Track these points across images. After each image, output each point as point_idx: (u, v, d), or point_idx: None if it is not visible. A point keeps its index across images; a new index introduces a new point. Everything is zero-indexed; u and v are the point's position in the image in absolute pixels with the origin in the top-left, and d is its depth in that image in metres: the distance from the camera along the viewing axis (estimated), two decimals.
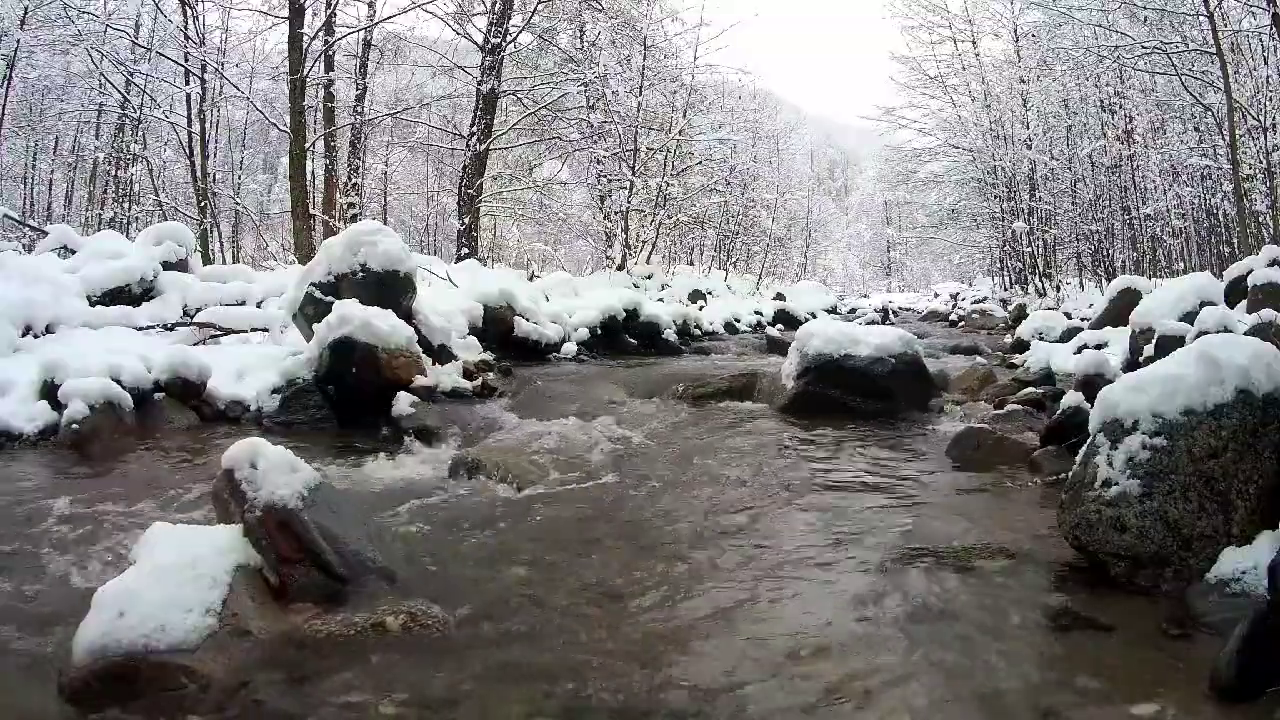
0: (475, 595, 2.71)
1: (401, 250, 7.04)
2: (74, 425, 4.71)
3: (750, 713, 2.04)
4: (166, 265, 8.61)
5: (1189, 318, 6.58)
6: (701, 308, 16.91)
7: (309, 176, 16.20)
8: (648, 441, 5.22)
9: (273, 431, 5.35)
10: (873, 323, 17.34)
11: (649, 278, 19.80)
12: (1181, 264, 16.76)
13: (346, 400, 5.64)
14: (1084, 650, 2.33)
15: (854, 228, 59.44)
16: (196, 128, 16.19)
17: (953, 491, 4.10)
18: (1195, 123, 15.78)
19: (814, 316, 17.11)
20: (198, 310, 8.13)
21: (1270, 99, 13.20)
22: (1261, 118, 12.97)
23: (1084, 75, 17.58)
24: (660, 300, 15.82)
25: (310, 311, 6.68)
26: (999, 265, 29.34)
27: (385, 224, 11.23)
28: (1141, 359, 6.24)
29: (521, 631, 2.46)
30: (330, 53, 16.33)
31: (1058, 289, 21.63)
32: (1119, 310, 9.64)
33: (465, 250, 17.23)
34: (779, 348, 10.55)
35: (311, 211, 15.21)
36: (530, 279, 15.03)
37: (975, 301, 27.80)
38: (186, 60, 16.07)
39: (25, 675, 2.18)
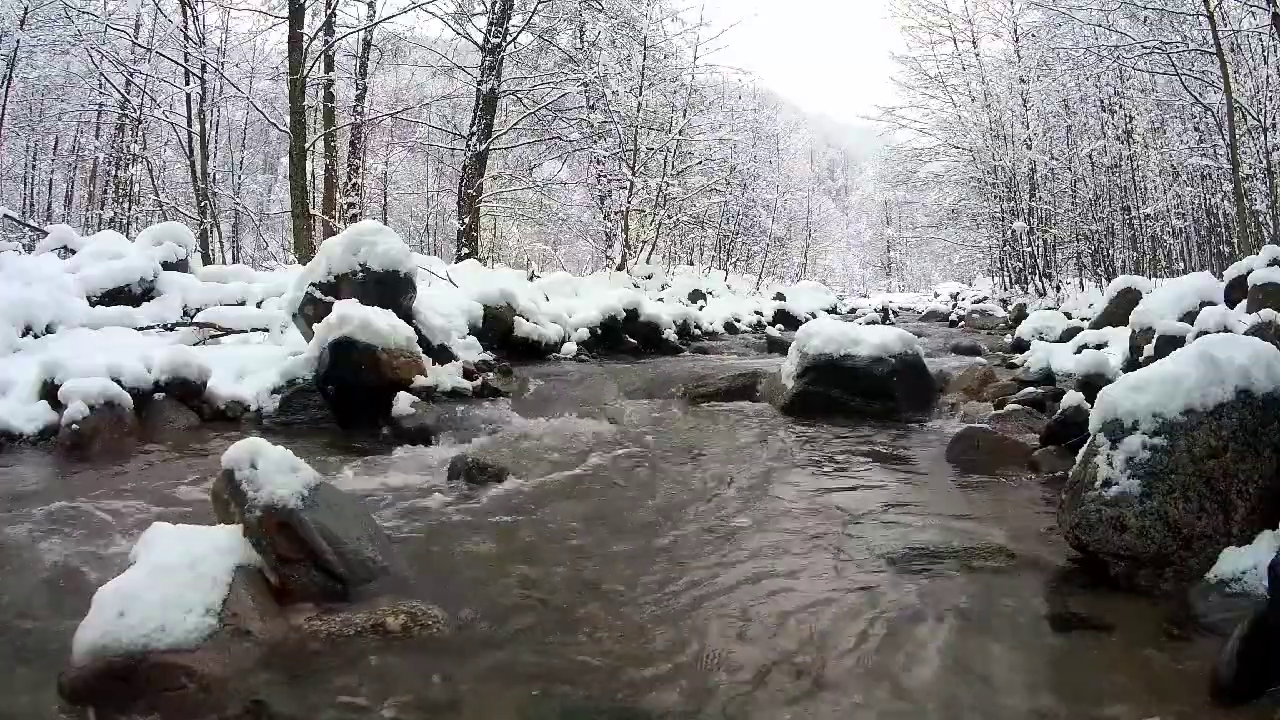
0: (475, 595, 2.71)
1: (401, 250, 7.04)
2: (74, 425, 4.71)
3: (750, 713, 2.04)
4: (166, 265, 8.61)
5: (1189, 318, 6.57)
6: (701, 308, 16.92)
7: (309, 176, 16.20)
8: (648, 442, 5.22)
9: (273, 431, 5.35)
10: (873, 323, 17.33)
11: (649, 278, 19.80)
12: (1181, 264, 16.73)
13: (346, 400, 5.64)
14: (1084, 650, 2.33)
15: (854, 228, 59.42)
16: (196, 128, 16.18)
17: (953, 491, 4.10)
18: (1195, 123, 15.76)
19: (814, 316, 17.09)
20: (198, 310, 8.13)
21: (1270, 99, 13.19)
22: (1261, 118, 12.95)
23: (1084, 75, 17.55)
24: (660, 300, 15.81)
25: (310, 311, 6.68)
26: (999, 265, 29.32)
27: (385, 224, 11.22)
28: (1141, 359, 6.23)
29: (521, 632, 2.46)
30: (330, 53, 16.34)
31: (1058, 289, 21.62)
32: (1119, 310, 9.63)
33: (465, 250, 17.24)
34: (779, 348, 10.56)
35: (311, 211, 15.21)
36: (530, 279, 15.02)
37: (975, 301, 27.79)
38: (186, 60, 16.07)
39: (25, 675, 2.18)
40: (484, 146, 17.53)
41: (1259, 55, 13.83)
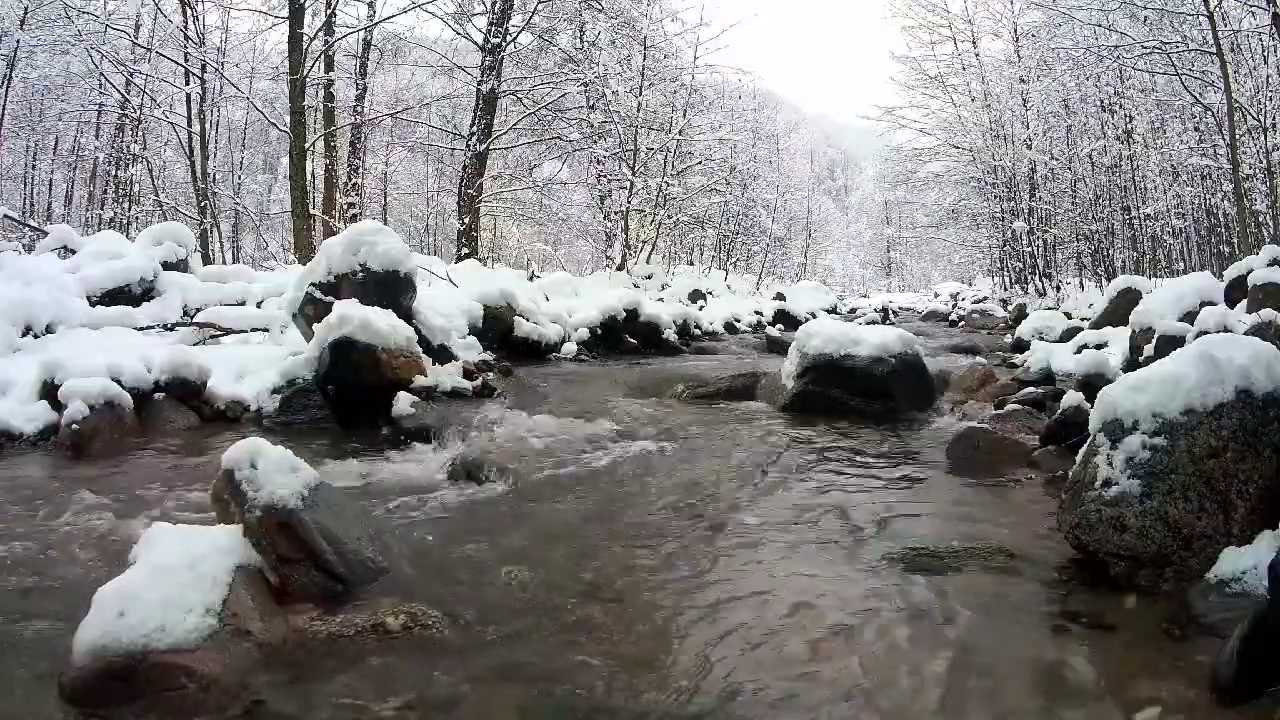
0: (475, 595, 2.71)
1: (401, 250, 7.04)
2: (74, 425, 4.70)
3: (749, 713, 2.04)
4: (166, 265, 8.61)
5: (1189, 318, 6.58)
6: (701, 308, 16.91)
7: (309, 176, 16.20)
8: (648, 442, 5.21)
9: (273, 431, 5.35)
10: (873, 323, 17.33)
11: (649, 278, 19.80)
12: (1181, 264, 16.73)
13: (346, 400, 5.63)
14: (1084, 650, 2.33)
15: (854, 228, 59.41)
16: (196, 128, 16.18)
17: (953, 491, 4.10)
18: (1195, 123, 15.76)
19: (814, 316, 17.10)
20: (198, 310, 8.13)
21: (1270, 99, 13.19)
22: (1261, 118, 12.95)
23: (1084, 75, 17.55)
24: (660, 300, 15.81)
25: (310, 311, 6.68)
26: (999, 265, 29.32)
27: (385, 224, 11.22)
28: (1141, 359, 6.23)
29: (521, 632, 2.46)
30: (330, 53, 16.34)
31: (1058, 289, 21.61)
32: (1119, 310, 9.64)
33: (465, 250, 17.24)
34: (779, 348, 10.55)
35: (311, 211, 15.21)
36: (530, 279, 15.03)
37: (975, 301, 27.79)
38: (186, 60, 16.07)
39: (25, 675, 2.18)
40: (484, 146, 17.53)
41: (1259, 55, 13.83)
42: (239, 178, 22.37)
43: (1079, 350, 7.94)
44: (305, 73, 14.31)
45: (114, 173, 19.47)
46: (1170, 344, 5.26)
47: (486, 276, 13.09)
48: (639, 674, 2.21)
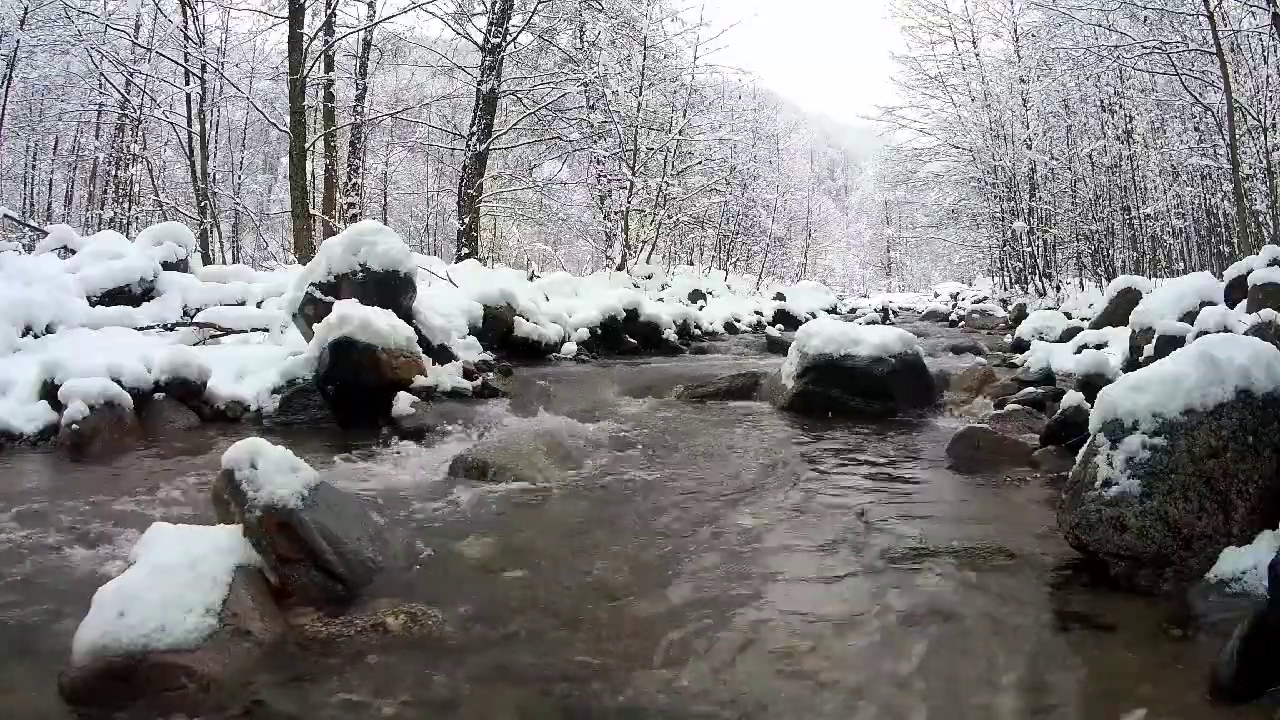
0: (475, 595, 2.70)
1: (401, 250, 7.04)
2: (74, 425, 4.71)
3: (749, 714, 2.04)
4: (166, 265, 8.62)
5: (1189, 318, 6.58)
6: (701, 308, 16.92)
7: (309, 176, 16.20)
8: (648, 441, 5.22)
9: (273, 431, 5.35)
10: (873, 323, 17.33)
11: (649, 278, 19.80)
12: (1181, 264, 16.73)
13: (346, 400, 5.64)
14: (1084, 650, 2.33)
15: (854, 228, 59.42)
16: (196, 128, 16.19)
17: (953, 491, 4.10)
18: (1195, 123, 15.77)
19: (814, 316, 17.10)
20: (198, 310, 8.13)
21: (1270, 99, 13.20)
22: (1261, 118, 12.96)
23: (1084, 75, 17.56)
24: (660, 300, 15.81)
25: (310, 311, 6.68)
26: (999, 265, 29.33)
27: (385, 224, 11.22)
28: (1141, 359, 6.23)
29: (521, 632, 2.46)
30: (330, 53, 16.35)
31: (1058, 289, 21.62)
32: (1119, 310, 9.65)
33: (465, 250, 17.24)
34: (779, 348, 10.56)
35: (311, 211, 15.22)
36: (530, 279, 15.03)
37: (975, 301, 27.80)
38: (186, 60, 16.07)
39: (25, 675, 2.18)
40: (484, 146, 17.53)
41: (1259, 55, 13.83)
42: (239, 178, 22.37)
43: (1079, 350, 7.94)
44: (305, 73, 14.32)
45: (114, 173, 19.48)
46: (1170, 344, 5.26)
47: (486, 276, 13.09)
48: (639, 674, 2.21)
